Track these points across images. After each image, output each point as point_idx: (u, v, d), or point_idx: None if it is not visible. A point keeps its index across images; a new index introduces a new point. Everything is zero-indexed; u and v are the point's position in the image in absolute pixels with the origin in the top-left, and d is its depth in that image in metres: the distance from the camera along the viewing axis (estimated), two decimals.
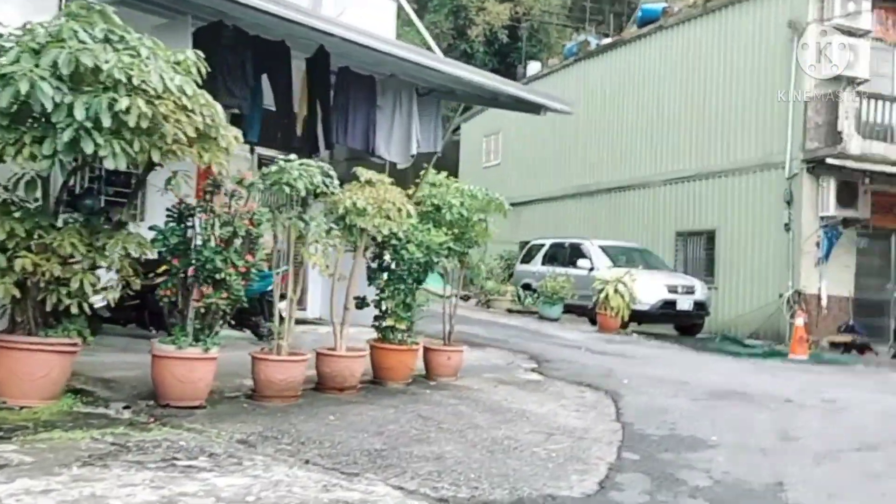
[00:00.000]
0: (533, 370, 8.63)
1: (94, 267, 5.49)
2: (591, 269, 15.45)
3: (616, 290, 13.78)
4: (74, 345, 5.35)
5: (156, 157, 5.21)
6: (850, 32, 14.63)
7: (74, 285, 5.31)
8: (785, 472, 4.91)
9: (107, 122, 4.87)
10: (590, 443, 5.35)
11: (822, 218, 14.63)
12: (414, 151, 10.04)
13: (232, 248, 5.89)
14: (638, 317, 14.35)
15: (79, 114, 4.82)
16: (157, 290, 6.02)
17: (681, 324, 15.20)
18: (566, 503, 4.00)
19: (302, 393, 6.06)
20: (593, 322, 14.58)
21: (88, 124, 4.86)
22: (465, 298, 18.76)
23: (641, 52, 19.77)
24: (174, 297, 5.75)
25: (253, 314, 8.36)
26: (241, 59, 8.37)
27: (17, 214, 5.26)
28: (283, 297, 6.39)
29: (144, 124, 5.00)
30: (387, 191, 6.94)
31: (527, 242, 19.20)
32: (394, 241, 7.09)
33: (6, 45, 4.99)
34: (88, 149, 4.90)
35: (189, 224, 5.91)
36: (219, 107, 5.53)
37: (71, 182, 8.87)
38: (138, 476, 3.74)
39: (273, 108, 9.05)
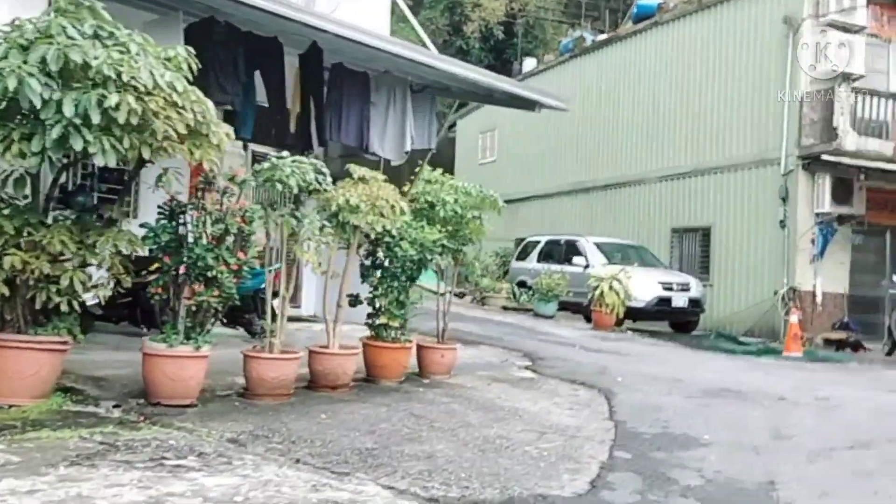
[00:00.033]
0: (527, 368, 8.61)
1: (84, 264, 5.46)
2: (587, 267, 15.43)
3: (611, 288, 13.76)
4: (64, 343, 5.32)
5: (146, 154, 5.17)
6: (846, 28, 14.63)
7: (64, 283, 5.28)
8: (777, 470, 4.90)
9: (96, 118, 4.84)
10: (582, 441, 5.33)
11: (817, 215, 14.63)
12: (408, 148, 10.01)
13: (224, 245, 5.86)
14: (633, 314, 14.34)
15: (68, 110, 4.79)
16: (149, 287, 5.97)
17: (676, 321, 15.20)
18: (557, 503, 3.98)
19: (294, 391, 6.04)
20: (588, 319, 14.57)
21: (77, 121, 4.82)
22: (461, 295, 18.73)
23: (637, 48, 19.74)
24: (165, 295, 5.71)
25: (246, 312, 8.34)
26: (234, 55, 8.33)
27: (5, 212, 5.23)
28: (276, 294, 6.37)
29: (134, 121, 4.96)
30: (380, 188, 6.90)
31: (523, 239, 19.18)
32: (387, 239, 7.06)
33: None
34: (77, 145, 4.87)
35: (181, 221, 5.88)
36: (210, 103, 5.49)
37: (63, 179, 8.86)
38: (126, 476, 3.71)
39: (266, 105, 9.02)
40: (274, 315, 6.15)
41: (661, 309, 14.61)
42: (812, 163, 14.61)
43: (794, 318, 12.78)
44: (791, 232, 14.79)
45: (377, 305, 7.15)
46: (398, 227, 7.01)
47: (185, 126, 5.23)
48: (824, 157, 14.24)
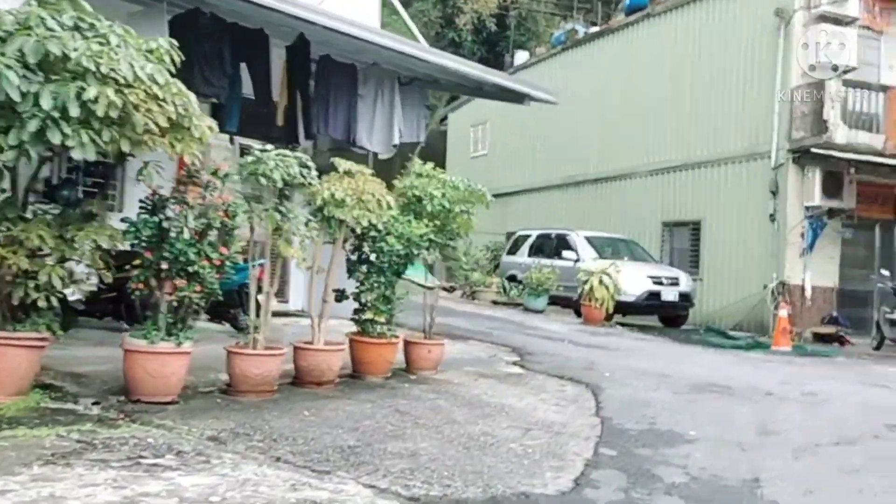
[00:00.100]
0: (515, 363, 8.57)
1: (63, 260, 5.39)
2: (577, 261, 15.40)
3: (601, 282, 13.73)
4: (43, 339, 5.24)
5: (125, 148, 5.09)
6: (837, 20, 14.62)
7: (43, 278, 5.20)
8: (763, 467, 4.88)
9: (74, 111, 4.75)
10: (567, 438, 5.30)
11: (807, 208, 14.64)
12: (396, 141, 9.95)
13: (206, 240, 5.79)
14: (623, 308, 14.32)
15: (45, 103, 4.71)
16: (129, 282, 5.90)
17: (665, 315, 15.19)
18: (540, 501, 3.94)
19: (278, 387, 5.98)
20: (578, 314, 14.55)
21: (56, 114, 4.74)
22: (450, 290, 18.69)
23: (629, 40, 19.69)
24: (146, 291, 5.64)
25: (232, 307, 8.28)
26: (219, 47, 8.24)
27: None
28: (262, 289, 6.30)
29: (114, 114, 4.88)
30: (366, 182, 6.84)
31: (513, 233, 19.14)
32: (373, 233, 7.00)
33: None
34: (55, 139, 4.79)
35: (163, 216, 5.80)
36: (192, 96, 5.41)
37: (48, 173, 8.76)
38: (101, 475, 3.65)
39: (253, 98, 8.93)
40: (258, 310, 6.08)
41: (650, 303, 14.59)
42: (802, 156, 14.61)
43: (783, 312, 12.79)
44: (781, 226, 14.79)
45: (363, 301, 7.09)
46: (384, 222, 6.95)
47: (166, 119, 5.15)
48: (814, 150, 14.24)
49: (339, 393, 6.16)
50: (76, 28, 5.06)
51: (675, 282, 14.85)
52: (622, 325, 14.18)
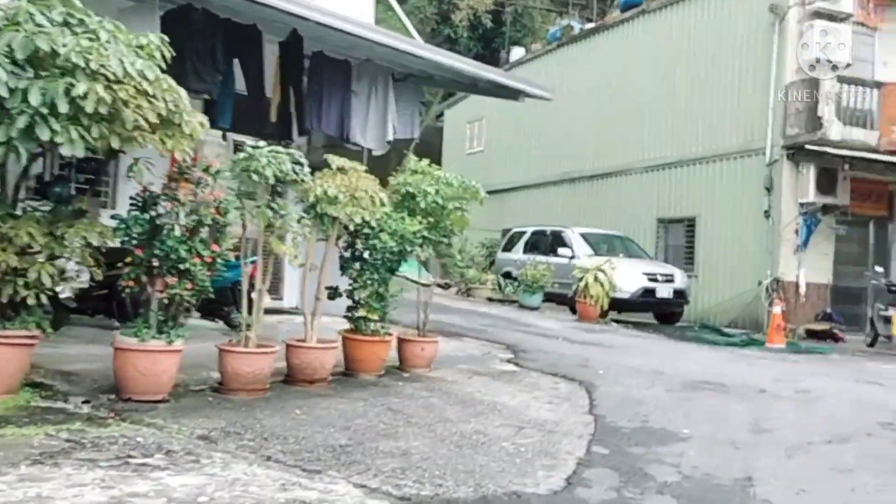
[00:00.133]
0: (509, 360, 8.55)
1: (53, 257, 5.35)
2: (572, 258, 15.39)
3: (596, 279, 13.73)
4: (33, 337, 5.20)
5: (115, 144, 5.05)
6: (832, 17, 14.61)
7: (32, 276, 5.17)
8: (755, 465, 4.87)
9: (63, 107, 4.72)
10: (560, 436, 5.28)
11: (801, 205, 14.63)
12: (390, 137, 9.91)
13: (197, 237, 5.75)
14: (618, 305, 14.32)
15: (34, 99, 4.66)
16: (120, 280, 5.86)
17: (660, 312, 15.20)
18: (531, 500, 3.92)
19: (270, 385, 5.95)
20: (574, 311, 14.53)
21: (44, 110, 4.70)
22: (446, 287, 18.67)
23: (624, 36, 19.66)
24: (137, 288, 5.60)
25: (225, 304, 8.23)
26: (211, 43, 8.19)
27: None
28: (254, 287, 6.27)
29: (103, 110, 4.84)
30: (359, 178, 6.80)
31: (509, 230, 19.12)
32: (366, 230, 6.98)
33: None
34: (44, 135, 4.75)
35: (154, 213, 5.76)
36: (183, 92, 5.36)
37: (40, 169, 8.71)
38: (89, 475, 3.62)
39: (245, 94, 8.88)
40: (250, 308, 6.05)
41: (645, 300, 14.60)
42: (797, 153, 14.60)
43: (777, 309, 12.79)
44: (775, 222, 14.79)
45: (356, 298, 7.06)
46: (378, 219, 6.92)
47: (156, 115, 5.11)
48: (809, 146, 14.23)
49: (331, 391, 6.14)
50: (65, 24, 5.02)
51: (669, 279, 14.85)
52: (617, 321, 14.18)
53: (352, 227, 6.85)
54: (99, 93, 4.74)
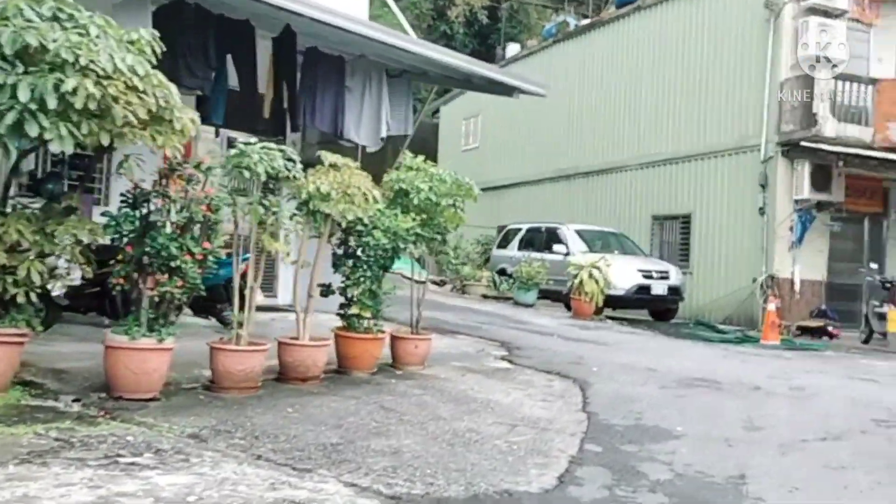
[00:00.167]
0: (503, 358, 8.52)
1: (42, 254, 5.31)
2: (567, 254, 15.36)
3: (590, 276, 13.71)
4: (22, 335, 5.17)
5: (105, 141, 5.00)
6: (827, 13, 14.60)
7: (22, 274, 5.13)
8: (749, 463, 4.85)
9: (52, 103, 4.67)
10: (553, 434, 5.26)
11: (796, 201, 14.63)
12: (384, 134, 9.87)
13: (188, 234, 5.72)
14: (612, 302, 14.30)
15: (23, 95, 4.62)
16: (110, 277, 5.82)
17: (655, 309, 15.18)
18: (523, 499, 3.90)
19: (262, 383, 5.92)
20: (568, 308, 14.52)
21: (33, 106, 4.66)
22: (441, 284, 18.64)
23: (619, 33, 19.63)
24: (127, 286, 5.57)
25: (218, 302, 8.20)
26: (204, 39, 8.15)
27: None
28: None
29: (92, 106, 4.80)
30: (352, 175, 6.76)
31: (504, 227, 19.09)
32: (359, 227, 6.95)
33: None
34: (33, 132, 4.71)
35: (146, 210, 5.73)
36: (173, 88, 5.32)
37: (33, 166, 8.64)
38: (77, 475, 3.59)
39: (238, 90, 8.84)
40: (242, 305, 6.01)
41: (640, 297, 14.58)
42: (792, 149, 14.60)
43: (771, 306, 12.79)
44: (770, 219, 14.79)
45: (349, 295, 7.03)
46: (371, 216, 6.89)
47: (146, 111, 5.07)
48: (804, 143, 14.23)
49: (323, 389, 6.11)
50: (55, 19, 4.97)
51: (664, 275, 14.84)
52: (612, 318, 14.16)
53: (344, 224, 6.82)
54: (88, 88, 4.71)
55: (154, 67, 5.13)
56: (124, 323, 5.46)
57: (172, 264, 5.49)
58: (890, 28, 15.72)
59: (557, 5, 29.86)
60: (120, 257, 5.60)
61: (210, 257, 5.83)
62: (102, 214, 5.72)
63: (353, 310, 6.99)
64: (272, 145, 6.09)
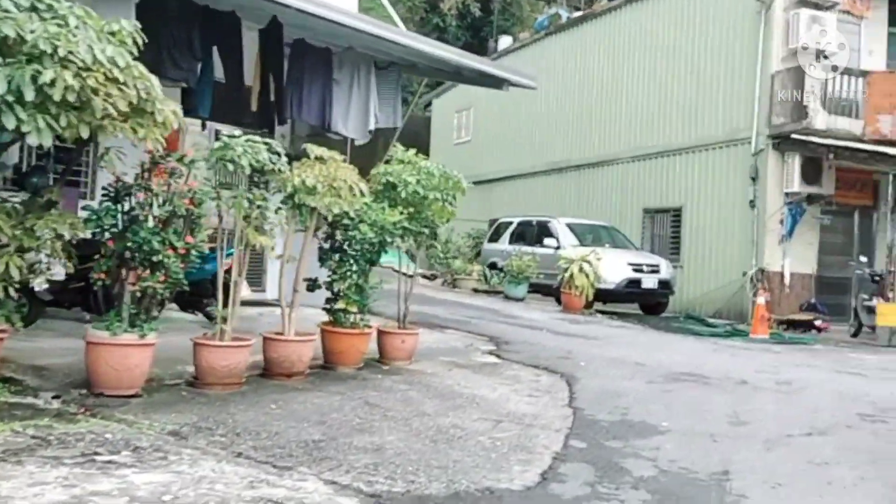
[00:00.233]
0: (491, 353, 8.49)
1: (22, 249, 5.24)
2: (558, 248, 15.32)
3: (581, 270, 13.68)
4: (2, 331, 5.10)
5: (84, 133, 4.92)
6: (818, 5, 14.58)
7: (0, 268, 5.06)
8: (733, 459, 4.83)
9: (30, 95, 4.60)
10: (538, 430, 5.23)
11: (786, 194, 14.63)
12: (372, 126, 9.81)
13: (171, 228, 5.66)
14: (603, 296, 14.28)
15: None
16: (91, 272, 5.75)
17: (646, 303, 15.17)
18: (504, 496, 3.87)
19: (247, 379, 5.88)
20: (559, 302, 14.49)
21: (10, 98, 4.58)
22: (431, 278, 18.60)
23: (611, 25, 19.57)
24: (109, 281, 5.50)
25: (204, 296, 8.13)
26: (189, 30, 8.06)
27: None
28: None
29: (71, 98, 4.72)
30: (338, 168, 6.70)
31: (496, 220, 19.04)
32: (345, 221, 6.89)
33: None
34: (10, 124, 4.63)
35: (128, 204, 5.66)
36: (155, 80, 5.24)
37: (17, 160, 8.54)
38: (52, 473, 3.54)
39: (225, 83, 8.75)
40: (226, 300, 5.96)
41: (630, 291, 14.56)
42: (782, 142, 14.58)
43: (761, 299, 12.79)
44: (760, 212, 14.78)
45: (336, 290, 6.98)
46: (357, 210, 6.83)
47: (127, 104, 4.99)
48: (794, 136, 14.21)
49: (308, 385, 6.06)
50: (33, 9, 4.89)
51: (655, 269, 14.82)
52: (602, 312, 14.15)
53: (331, 218, 6.77)
54: (67, 80, 4.63)
55: (137, 59, 5.06)
56: (105, 318, 5.40)
57: (154, 259, 5.43)
58: (881, 20, 15.71)
59: None
60: (101, 252, 5.54)
61: (194, 252, 5.77)
62: (83, 209, 5.65)
63: (340, 304, 6.94)
64: (257, 138, 6.03)
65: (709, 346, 10.84)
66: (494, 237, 17.98)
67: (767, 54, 14.76)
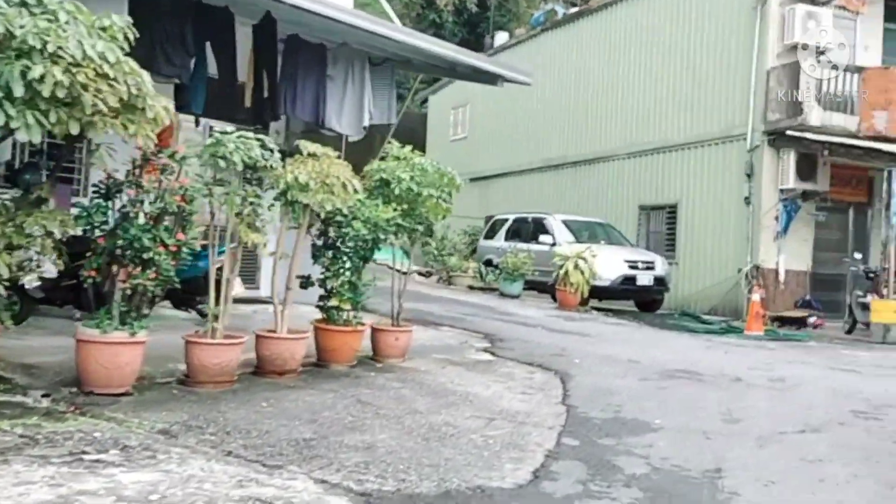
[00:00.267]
0: (485, 350, 8.47)
1: (11, 246, 5.20)
2: (553, 245, 15.32)
3: (576, 266, 13.67)
4: None
5: (74, 129, 4.89)
6: (814, 1, 14.55)
7: None
8: (726, 456, 4.82)
9: (19, 91, 4.56)
10: (531, 428, 5.21)
11: (781, 191, 14.63)
12: (366, 123, 9.77)
13: (162, 225, 5.62)
14: (598, 293, 14.28)
15: None
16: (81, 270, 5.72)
17: (641, 300, 15.16)
18: (496, 495, 3.85)
19: (239, 377, 5.85)
20: (555, 299, 14.48)
21: None
22: (427, 275, 18.57)
23: (607, 21, 19.55)
24: (99, 278, 5.47)
25: (197, 294, 8.10)
26: (182, 26, 8.01)
27: None
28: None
29: (61, 94, 4.68)
30: (331, 165, 6.67)
31: (492, 217, 19.02)
32: (339, 218, 6.86)
33: None
34: None
35: (120, 201, 5.62)
36: (146, 75, 5.20)
37: (10, 157, 8.49)
38: (39, 472, 3.51)
39: (218, 78, 8.70)
40: (217, 298, 5.93)
41: (626, 288, 14.56)
42: (777, 138, 14.58)
43: (755, 296, 12.79)
44: (756, 209, 14.78)
45: (329, 287, 6.95)
46: (350, 206, 6.80)
47: (117, 99, 4.95)
48: (789, 132, 14.21)
49: (301, 382, 6.04)
50: (23, 4, 4.85)
51: (650, 266, 14.82)
52: (597, 309, 14.14)
53: (324, 215, 6.73)
54: (56, 76, 4.60)
55: (128, 55, 5.02)
56: (96, 316, 5.37)
57: (145, 256, 5.40)
58: (876, 16, 15.70)
59: None
60: (92, 249, 5.50)
61: (185, 249, 5.73)
62: (73, 206, 5.61)
63: (333, 302, 6.91)
64: (249, 134, 6.00)
65: (703, 342, 10.83)
66: (490, 234, 17.97)
67: (763, 50, 14.75)
